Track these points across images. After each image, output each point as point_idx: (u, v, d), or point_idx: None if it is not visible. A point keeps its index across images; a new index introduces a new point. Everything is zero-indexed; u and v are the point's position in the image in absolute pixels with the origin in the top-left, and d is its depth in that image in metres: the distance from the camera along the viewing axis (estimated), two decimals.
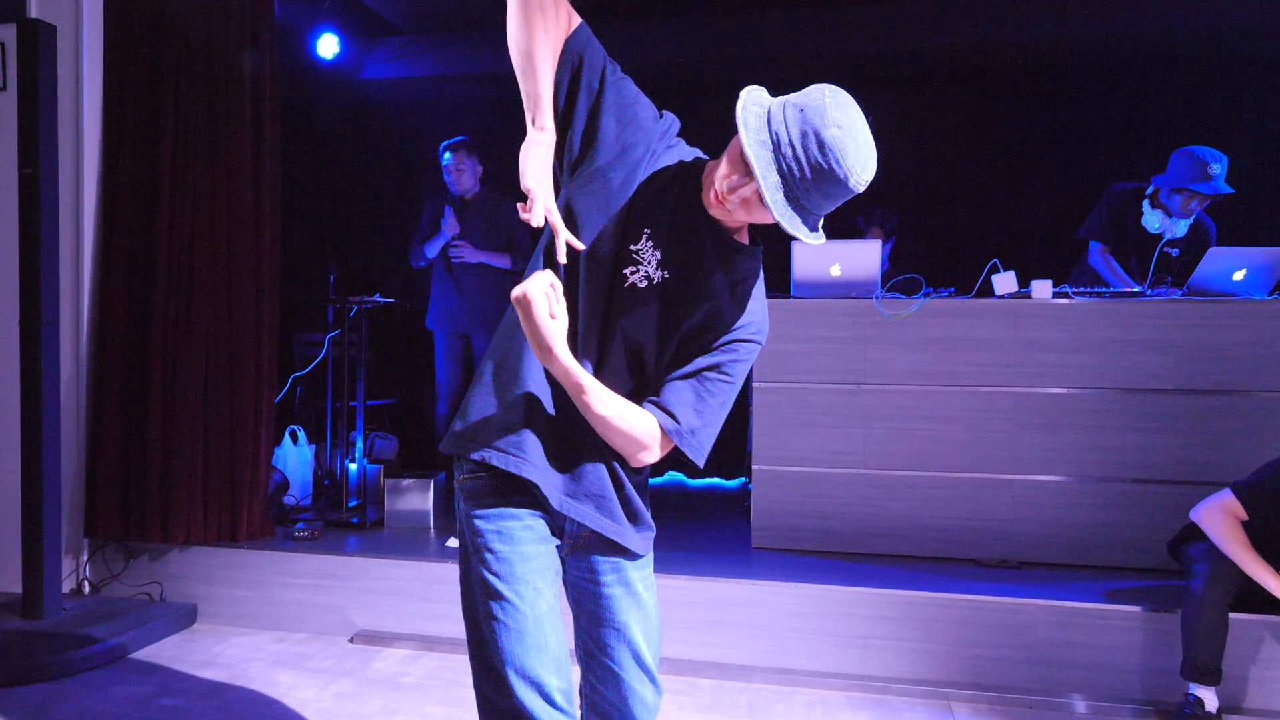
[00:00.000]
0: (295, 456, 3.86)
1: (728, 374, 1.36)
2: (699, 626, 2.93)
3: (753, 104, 1.19)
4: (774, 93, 1.24)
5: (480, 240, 4.04)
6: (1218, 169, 3.29)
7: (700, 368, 1.35)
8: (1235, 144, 3.68)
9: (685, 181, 1.34)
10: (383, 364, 4.36)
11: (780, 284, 3.53)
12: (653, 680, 1.45)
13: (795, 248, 3.34)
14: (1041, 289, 3.22)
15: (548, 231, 1.34)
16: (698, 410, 1.34)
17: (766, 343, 3.66)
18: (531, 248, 4.07)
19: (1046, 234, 4.18)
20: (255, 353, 3.31)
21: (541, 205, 1.21)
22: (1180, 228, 3.44)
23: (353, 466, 3.77)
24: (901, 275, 3.43)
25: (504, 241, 4.10)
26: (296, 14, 4.43)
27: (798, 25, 4.49)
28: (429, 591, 3.10)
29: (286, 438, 3.89)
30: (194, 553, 3.31)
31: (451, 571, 2.99)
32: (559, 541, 1.40)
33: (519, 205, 1.22)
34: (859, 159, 1.15)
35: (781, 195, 1.16)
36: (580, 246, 1.29)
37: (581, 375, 1.26)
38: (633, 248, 1.32)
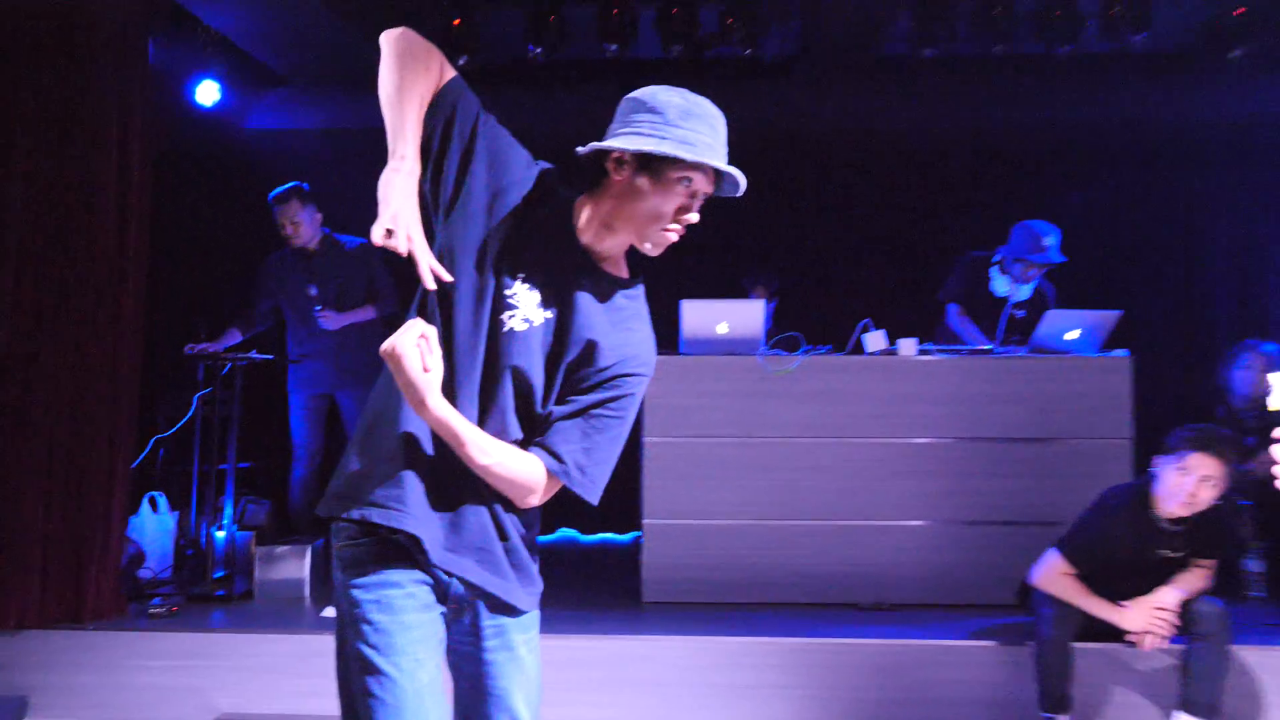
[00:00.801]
0: (154, 525, 3.56)
1: (614, 410, 1.37)
2: (591, 686, 2.88)
3: (624, 136, 1.30)
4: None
5: (337, 292, 3.79)
6: (1051, 241, 3.68)
7: (586, 405, 1.35)
8: (1073, 219, 4.21)
9: (556, 221, 1.37)
10: (256, 424, 4.13)
11: (670, 341, 3.67)
12: None
13: (684, 307, 3.45)
14: (907, 347, 3.49)
15: (423, 289, 1.34)
16: (585, 449, 1.34)
17: (658, 398, 3.74)
18: (395, 291, 3.91)
19: (911, 296, 4.52)
20: (110, 412, 3.06)
21: (404, 232, 1.22)
22: (1024, 291, 3.84)
23: (220, 534, 3.53)
24: (783, 333, 3.59)
25: (363, 291, 3.86)
26: (175, 59, 4.28)
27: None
28: (303, 667, 2.88)
29: (145, 505, 3.59)
30: (27, 637, 2.95)
31: (329, 643, 2.85)
32: (443, 608, 1.34)
33: (383, 234, 1.21)
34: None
35: (722, 160, 1.30)
36: (447, 277, 1.29)
37: (459, 426, 1.25)
38: (507, 291, 1.33)
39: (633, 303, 1.43)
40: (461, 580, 1.33)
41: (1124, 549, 2.74)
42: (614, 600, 3.54)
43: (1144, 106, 5.11)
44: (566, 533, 4.93)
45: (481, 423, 1.32)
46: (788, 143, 5.01)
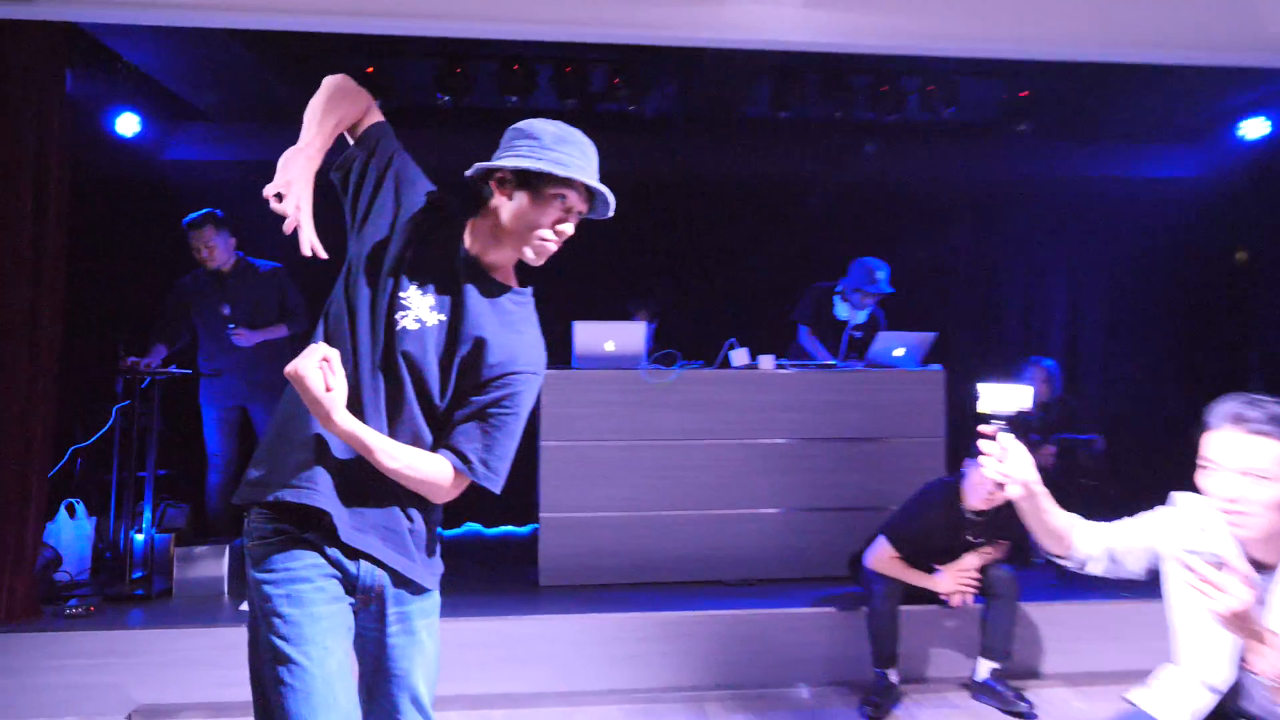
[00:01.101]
0: (72, 531, 3.40)
1: (508, 407, 1.37)
2: (492, 663, 2.94)
3: (506, 158, 1.34)
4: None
5: (250, 312, 3.70)
6: (882, 275, 3.98)
7: (483, 405, 1.36)
8: (900, 256, 4.48)
9: (449, 234, 1.39)
10: (174, 434, 3.94)
11: (564, 358, 3.76)
12: (426, 716, 1.42)
13: (576, 327, 3.55)
14: (766, 362, 3.70)
15: (332, 300, 1.37)
16: (486, 445, 1.35)
17: (553, 407, 3.79)
18: (306, 310, 3.87)
19: (769, 319, 4.63)
20: (23, 424, 2.94)
21: (294, 200, 1.24)
22: (860, 316, 4.13)
23: (139, 537, 3.39)
24: (662, 351, 3.68)
25: (276, 310, 3.77)
26: (96, 90, 4.09)
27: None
28: (221, 658, 2.80)
29: (62, 512, 3.43)
30: None
31: (244, 635, 2.80)
32: (351, 600, 1.33)
33: (274, 197, 1.24)
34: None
35: (594, 179, 1.35)
36: (322, 253, 1.31)
37: (366, 435, 1.25)
38: (401, 295, 1.33)
39: (521, 308, 1.44)
40: (367, 557, 1.31)
41: (938, 536, 2.99)
42: (514, 585, 3.56)
43: (953, 166, 5.35)
44: (471, 527, 4.83)
45: (393, 431, 1.31)
46: (667, 187, 5.15)
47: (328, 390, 1.19)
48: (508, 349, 1.39)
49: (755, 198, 5.24)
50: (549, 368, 3.61)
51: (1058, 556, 1.65)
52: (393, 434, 1.31)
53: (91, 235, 3.91)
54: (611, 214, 1.42)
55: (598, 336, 3.54)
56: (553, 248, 1.39)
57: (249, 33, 3.52)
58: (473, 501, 4.75)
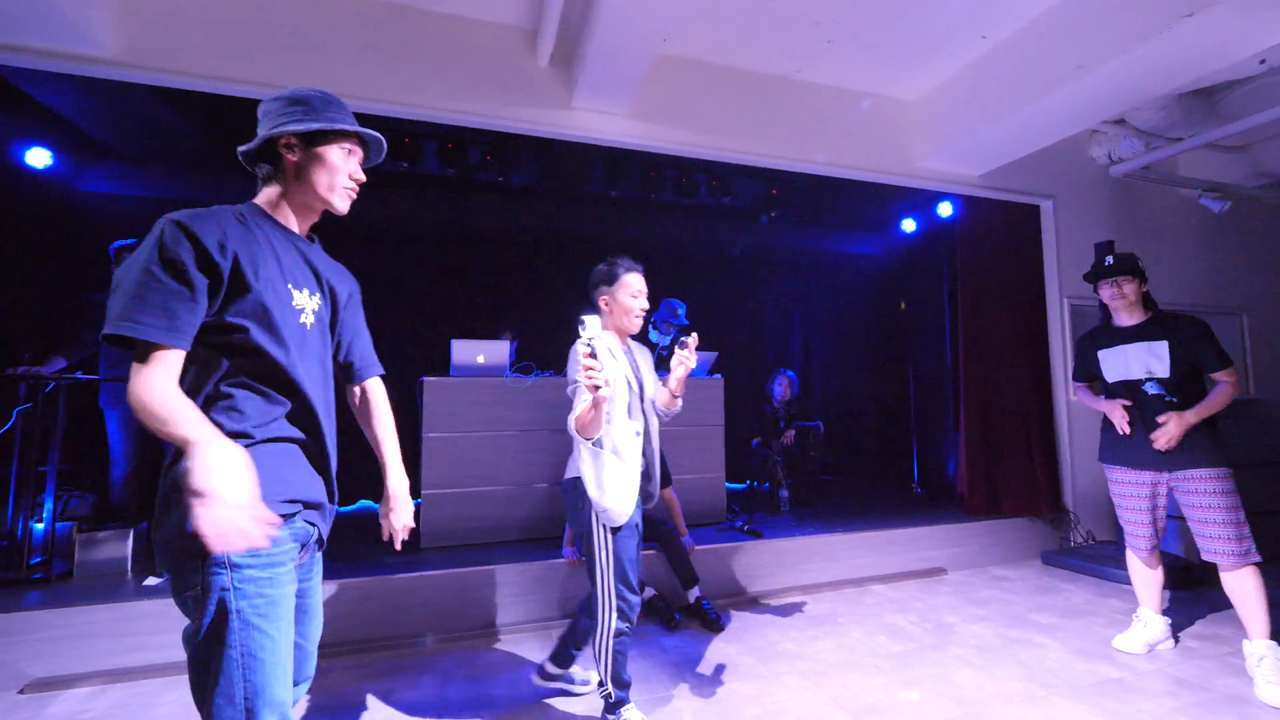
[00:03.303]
0: None
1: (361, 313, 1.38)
2: (376, 616, 2.75)
3: (289, 125, 1.16)
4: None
5: None
6: (681, 311, 4.13)
7: (362, 328, 1.38)
8: (694, 298, 4.79)
9: (270, 228, 1.18)
10: (80, 432, 3.33)
11: (444, 369, 3.63)
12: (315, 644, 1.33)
13: (454, 345, 3.41)
14: None
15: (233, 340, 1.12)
16: (372, 345, 1.43)
17: (434, 406, 3.64)
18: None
19: None
20: None
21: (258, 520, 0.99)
22: (666, 340, 4.32)
23: (39, 526, 2.85)
24: (521, 363, 3.65)
25: None
26: (8, 124, 3.39)
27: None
28: (123, 628, 2.40)
29: None
30: None
31: (152, 608, 2.41)
32: (298, 561, 1.19)
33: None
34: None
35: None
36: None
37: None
38: (294, 304, 1.17)
39: (350, 277, 1.35)
40: (321, 534, 1.23)
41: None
42: (404, 550, 3.32)
43: (731, 238, 5.71)
44: (365, 503, 4.44)
45: (327, 412, 1.21)
46: (530, 241, 5.11)
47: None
48: (342, 276, 1.30)
49: (595, 251, 5.32)
50: (433, 375, 3.48)
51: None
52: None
53: (5, 256, 3.25)
54: (384, 156, 1.29)
55: (471, 352, 3.45)
56: (355, 195, 1.24)
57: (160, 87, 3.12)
58: (366, 480, 4.46)
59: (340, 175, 1.19)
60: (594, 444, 1.83)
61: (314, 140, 1.17)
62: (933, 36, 3.47)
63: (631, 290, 1.95)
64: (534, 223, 5.09)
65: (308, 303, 1.21)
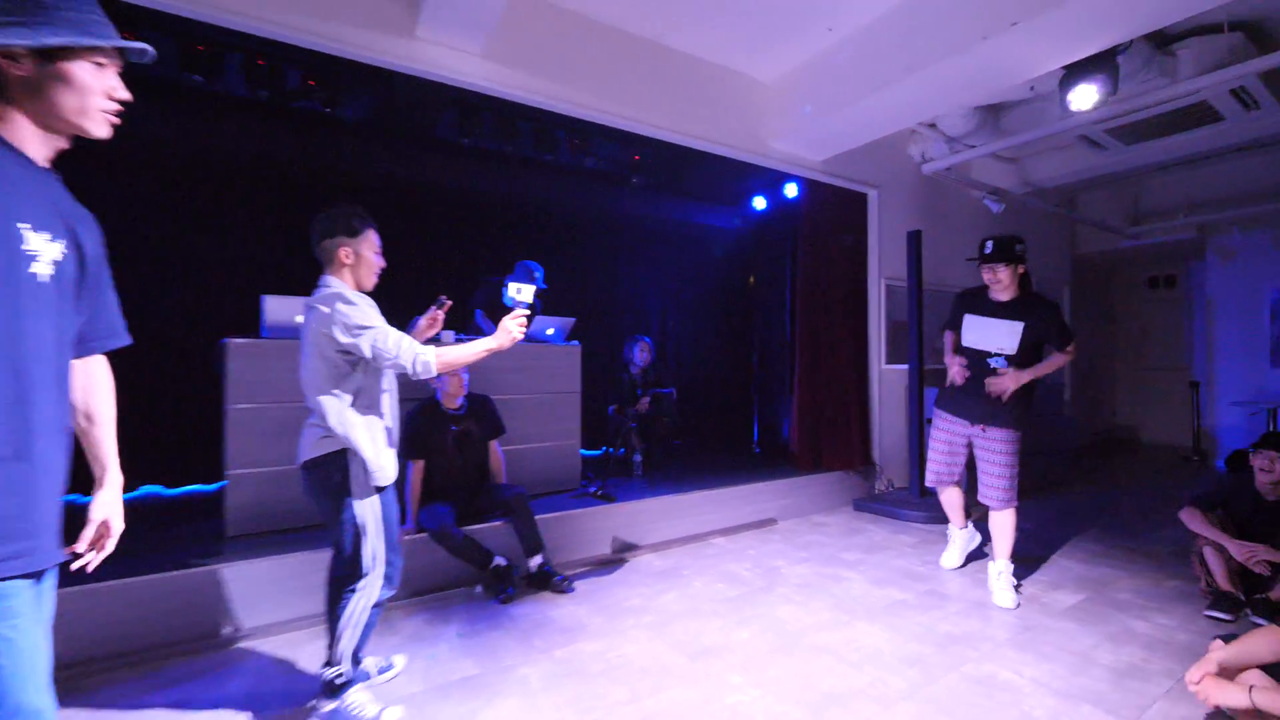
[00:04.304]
0: None
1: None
2: (175, 615, 2.37)
3: (7, 29, 0.89)
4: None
5: None
6: (538, 274, 4.03)
7: (107, 278, 1.11)
8: (552, 261, 4.63)
9: (5, 151, 0.93)
10: None
11: (253, 329, 3.13)
12: None
13: (266, 301, 2.96)
14: (447, 338, 3.39)
15: None
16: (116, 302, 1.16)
17: (242, 374, 3.18)
18: None
19: (455, 304, 4.45)
20: None
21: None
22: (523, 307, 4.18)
23: None
24: None
25: None
26: None
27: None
28: None
29: None
30: None
31: None
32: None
33: None
34: None
35: (117, 36, 0.98)
36: None
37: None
38: (26, 247, 0.93)
39: (59, 182, 1.04)
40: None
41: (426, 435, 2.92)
42: (201, 539, 2.87)
43: (592, 202, 5.46)
44: (151, 488, 3.74)
45: (64, 393, 0.98)
46: (365, 188, 4.53)
47: None
48: (89, 226, 1.05)
49: (442, 204, 4.91)
50: (240, 337, 2.98)
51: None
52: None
53: None
54: (151, 59, 1.00)
55: (289, 310, 3.02)
56: (117, 119, 1.01)
57: None
58: (153, 463, 3.74)
59: (93, 96, 0.95)
60: (364, 405, 1.84)
61: (51, 55, 0.91)
62: (789, 20, 3.62)
63: (376, 246, 1.95)
64: (365, 164, 4.54)
65: (46, 249, 0.94)
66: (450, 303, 2.09)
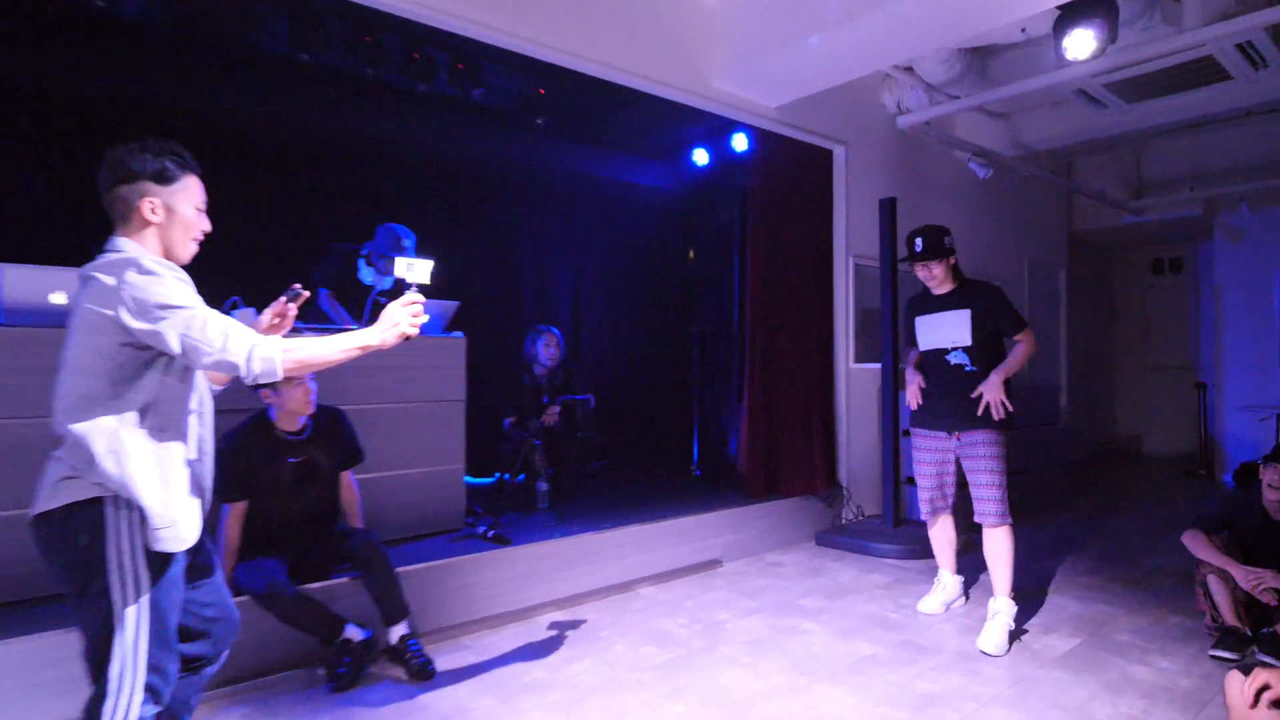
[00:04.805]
0: None
1: None
2: None
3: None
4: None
5: None
6: (408, 243, 3.91)
7: None
8: (421, 226, 4.49)
9: None
10: None
11: None
12: None
13: (3, 274, 2.67)
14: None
15: None
16: None
17: None
18: None
19: (279, 279, 4.21)
20: None
21: None
22: (387, 282, 4.04)
23: None
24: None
25: None
26: None
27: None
28: None
29: None
30: None
31: None
32: None
33: None
34: None
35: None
36: None
37: None
38: None
39: None
40: None
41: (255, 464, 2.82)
42: None
43: (479, 144, 5.42)
44: None
45: None
46: (141, 107, 4.19)
47: None
48: None
49: (271, 144, 4.68)
50: None
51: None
52: None
53: None
54: None
55: (39, 285, 2.76)
56: None
57: None
58: None
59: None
60: (155, 427, 1.64)
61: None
62: None
63: (198, 200, 1.79)
64: (152, 87, 4.21)
65: None
66: (306, 293, 1.95)
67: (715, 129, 5.70)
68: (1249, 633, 2.98)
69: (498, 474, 4.80)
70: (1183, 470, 7.90)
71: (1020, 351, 3.22)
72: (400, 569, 2.96)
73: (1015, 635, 3.16)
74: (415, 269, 1.86)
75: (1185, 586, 3.75)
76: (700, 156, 6.10)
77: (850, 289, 5.37)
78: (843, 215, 5.32)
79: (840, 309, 5.34)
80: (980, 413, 3.18)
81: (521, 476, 4.52)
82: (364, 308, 3.92)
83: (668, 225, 6.61)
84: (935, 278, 3.33)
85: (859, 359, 5.42)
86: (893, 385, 4.83)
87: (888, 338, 4.82)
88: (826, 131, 5.15)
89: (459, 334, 3.97)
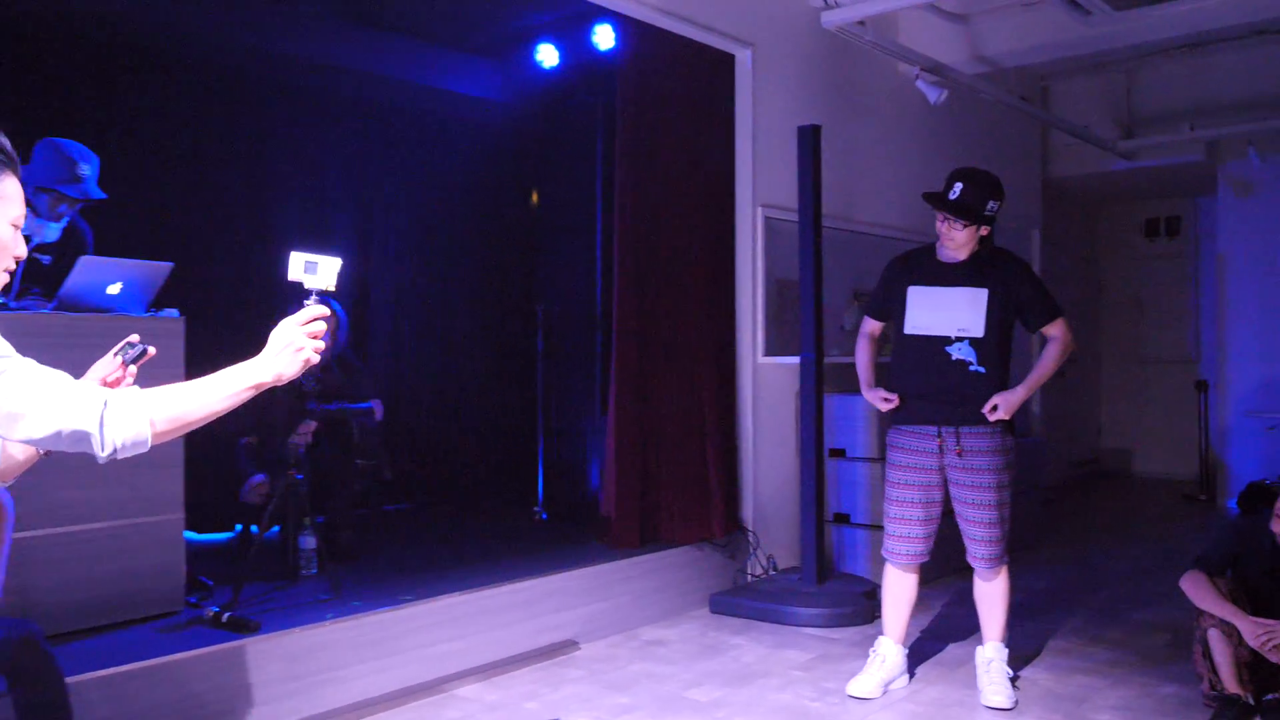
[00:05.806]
0: None
1: None
2: None
3: None
4: None
5: None
6: (88, 170, 3.68)
7: None
8: (109, 144, 4.25)
9: None
10: None
11: None
12: None
13: None
14: None
15: None
16: None
17: None
18: None
19: None
20: None
21: None
22: (51, 232, 3.76)
23: None
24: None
25: None
26: None
27: None
28: None
29: None
30: None
31: None
32: None
33: None
34: None
35: None
36: None
37: None
38: None
39: None
40: None
41: None
42: None
43: (199, 21, 5.34)
44: None
45: None
46: None
47: None
48: None
49: None
50: None
51: None
52: None
53: None
54: None
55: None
56: None
57: None
58: None
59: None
60: None
61: None
62: None
63: (14, 203, 1.79)
64: None
65: None
66: (152, 351, 2.06)
67: (568, 17, 5.78)
68: (1251, 701, 3.37)
69: (239, 526, 4.75)
70: (1180, 494, 8.83)
71: (1053, 353, 3.42)
72: (74, 678, 2.82)
73: (1014, 682, 3.61)
74: (320, 270, 1.92)
75: (1180, 644, 4.19)
76: (547, 55, 6.18)
77: (759, 252, 5.57)
78: (748, 147, 5.52)
79: (745, 279, 5.54)
80: (987, 410, 3.40)
81: (275, 529, 4.43)
82: (15, 272, 3.66)
83: (500, 156, 6.64)
84: (955, 239, 3.48)
85: (771, 351, 5.64)
86: (815, 386, 5.06)
87: (809, 319, 5.04)
88: (726, 28, 5.32)
89: (173, 311, 3.84)
